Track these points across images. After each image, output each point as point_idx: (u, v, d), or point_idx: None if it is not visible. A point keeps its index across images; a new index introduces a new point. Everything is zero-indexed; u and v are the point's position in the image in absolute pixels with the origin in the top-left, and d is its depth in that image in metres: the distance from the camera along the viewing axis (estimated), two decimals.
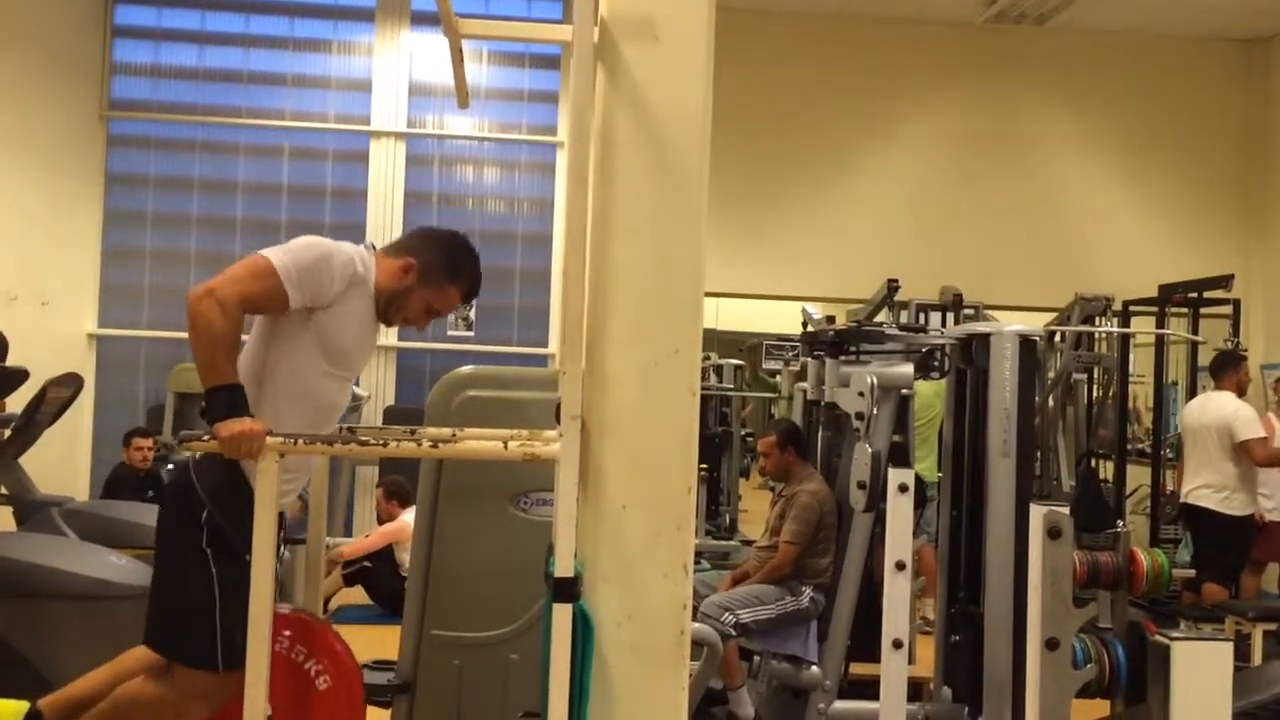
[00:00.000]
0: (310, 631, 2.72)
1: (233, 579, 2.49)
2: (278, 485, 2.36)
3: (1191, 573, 6.40)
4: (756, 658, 4.76)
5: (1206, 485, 6.07)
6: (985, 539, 3.77)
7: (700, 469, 7.77)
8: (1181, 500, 6.41)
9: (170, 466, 5.85)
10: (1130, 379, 7.87)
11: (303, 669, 2.68)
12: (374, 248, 2.78)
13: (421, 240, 2.82)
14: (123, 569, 3.71)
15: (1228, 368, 6.29)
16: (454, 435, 2.81)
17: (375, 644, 3.59)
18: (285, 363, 2.58)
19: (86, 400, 8.21)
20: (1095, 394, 7.75)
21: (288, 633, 2.67)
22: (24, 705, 2.68)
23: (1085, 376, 7.53)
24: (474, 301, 8.77)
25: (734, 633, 4.42)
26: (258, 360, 2.61)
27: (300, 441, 2.45)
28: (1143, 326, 8.00)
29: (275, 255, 2.53)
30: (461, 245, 2.84)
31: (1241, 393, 6.21)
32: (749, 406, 10.41)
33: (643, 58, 2.22)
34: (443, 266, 2.77)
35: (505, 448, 2.36)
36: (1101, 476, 7.55)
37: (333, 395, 2.71)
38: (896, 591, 3.62)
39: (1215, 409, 6.13)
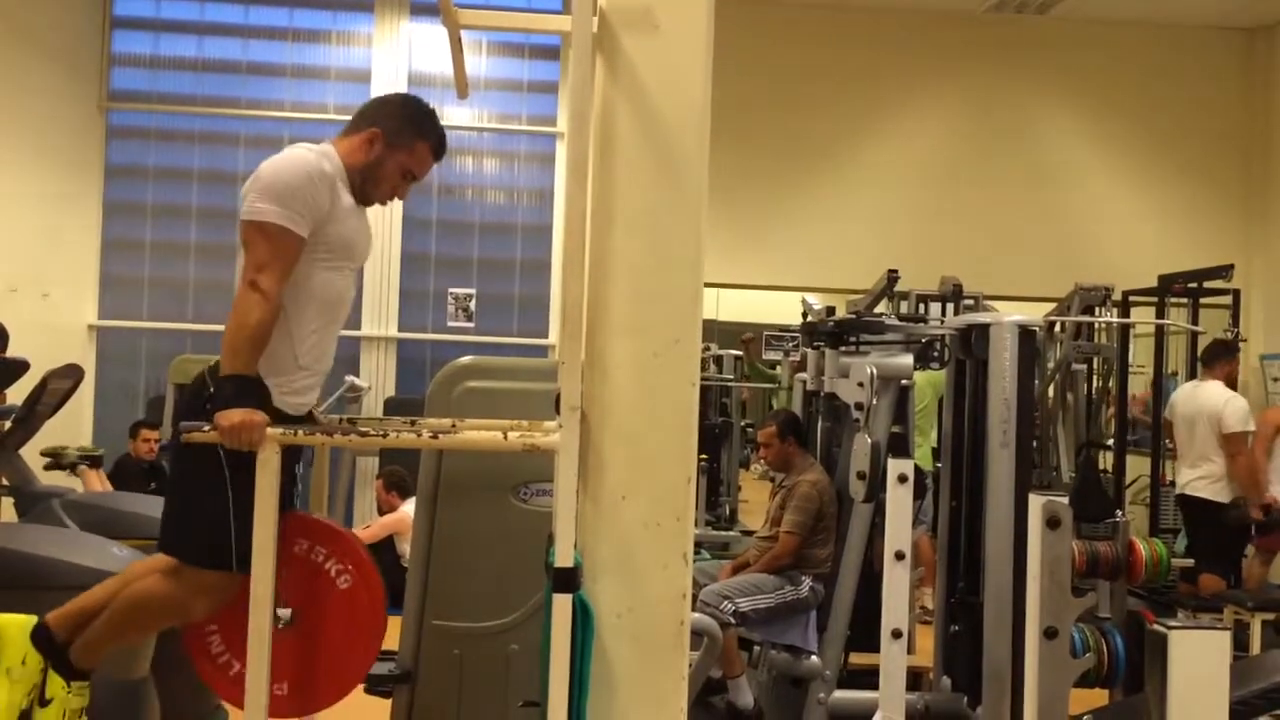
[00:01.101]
0: (330, 534, 2.74)
1: (245, 484, 2.49)
2: (278, 476, 2.36)
3: (1191, 562, 6.41)
4: (756, 648, 4.77)
5: (1201, 476, 6.07)
6: (985, 529, 3.78)
7: (700, 459, 7.79)
8: (1177, 491, 6.42)
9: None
10: (1130, 369, 7.87)
11: (323, 569, 2.69)
12: (328, 140, 2.78)
13: (377, 108, 2.82)
14: (124, 560, 3.70)
15: (1221, 358, 6.28)
16: (454, 426, 2.81)
17: None
18: (289, 279, 2.58)
19: (87, 391, 8.21)
20: (1095, 384, 7.75)
21: (306, 539, 2.68)
22: (31, 619, 2.70)
23: (1085, 367, 7.52)
24: (474, 291, 8.83)
25: (733, 621, 4.43)
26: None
27: (300, 432, 2.45)
28: (1142, 317, 8.00)
29: (273, 212, 2.54)
30: (417, 103, 2.85)
31: (1231, 384, 6.20)
32: (745, 394, 10.42)
33: (642, 48, 2.22)
34: (406, 125, 2.77)
35: (505, 438, 2.37)
36: (1101, 467, 7.55)
37: (340, 289, 2.73)
38: (896, 581, 3.63)
39: (1206, 398, 6.12)
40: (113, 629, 2.66)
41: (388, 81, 8.90)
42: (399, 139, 2.75)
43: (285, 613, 2.62)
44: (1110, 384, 7.75)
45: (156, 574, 2.64)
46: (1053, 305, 7.70)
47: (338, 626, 2.67)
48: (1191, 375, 7.51)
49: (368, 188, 2.76)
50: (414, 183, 2.87)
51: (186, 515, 2.62)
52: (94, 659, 2.68)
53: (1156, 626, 2.39)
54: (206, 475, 2.51)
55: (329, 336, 2.75)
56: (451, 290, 8.84)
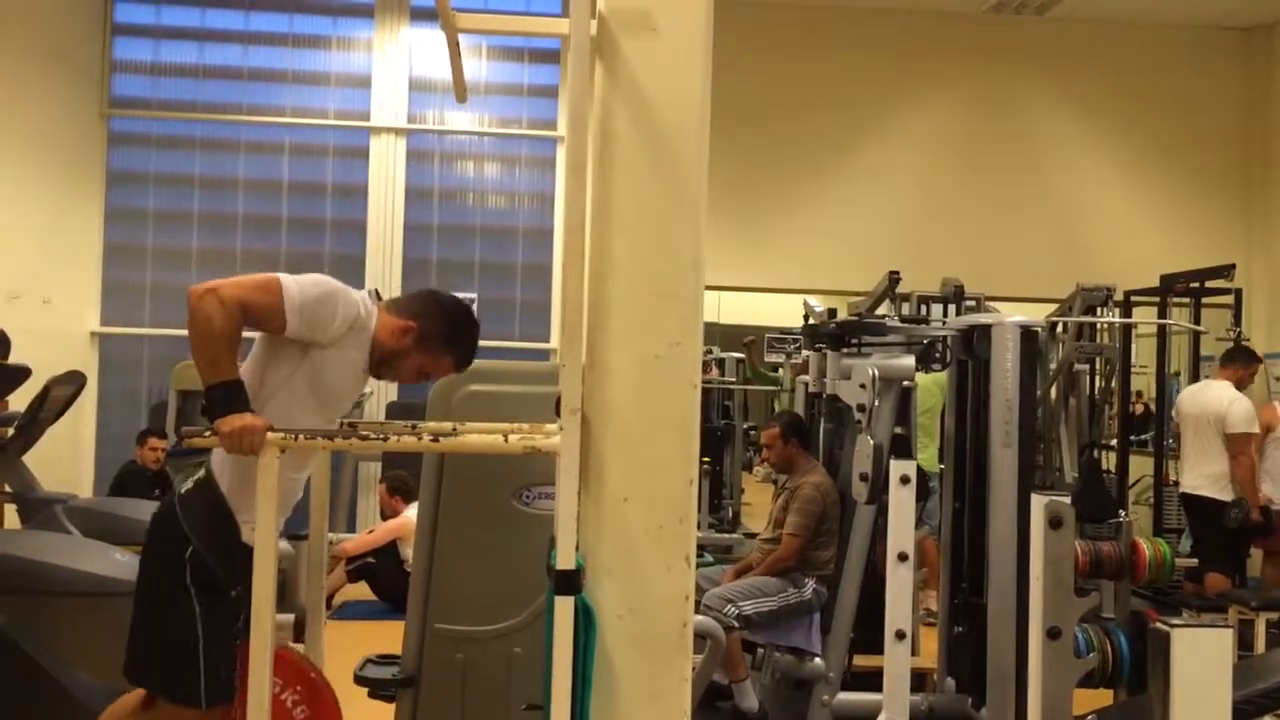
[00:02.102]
0: (284, 662, 2.72)
1: (216, 616, 2.51)
2: (279, 481, 2.36)
3: (1194, 562, 6.40)
4: (760, 650, 4.76)
5: (1205, 474, 6.06)
6: (988, 530, 3.77)
7: (702, 462, 7.78)
8: (1181, 490, 6.41)
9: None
10: (1132, 369, 7.87)
11: (280, 700, 2.68)
12: (378, 297, 2.77)
13: (424, 304, 2.79)
14: (126, 566, 3.71)
15: (1237, 361, 6.26)
16: (455, 429, 2.81)
17: (379, 639, 3.60)
18: (273, 401, 2.56)
19: (89, 398, 8.23)
20: (1097, 384, 7.75)
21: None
22: None
23: (1087, 367, 7.52)
24: (475, 295, 8.81)
25: (736, 625, 4.43)
26: (249, 392, 2.58)
27: (302, 437, 2.45)
28: (1144, 317, 7.99)
29: (286, 278, 2.53)
30: (463, 315, 2.82)
31: (1240, 388, 6.19)
32: (746, 396, 10.42)
33: (641, 51, 2.21)
34: (442, 335, 2.75)
35: (506, 441, 2.36)
36: (1104, 467, 7.54)
37: None
38: (899, 583, 3.63)
39: (1212, 398, 6.11)
40: None
41: (389, 87, 8.91)
42: (429, 343, 2.74)
43: None
44: (1113, 384, 7.74)
45: (130, 713, 2.62)
46: (1055, 306, 7.69)
47: None
48: (1194, 375, 7.51)
49: (382, 367, 2.74)
50: (425, 380, 2.87)
51: (154, 645, 2.56)
52: None
53: (1159, 625, 2.38)
54: (175, 601, 2.49)
55: (303, 475, 2.76)
56: (453, 294, 8.83)
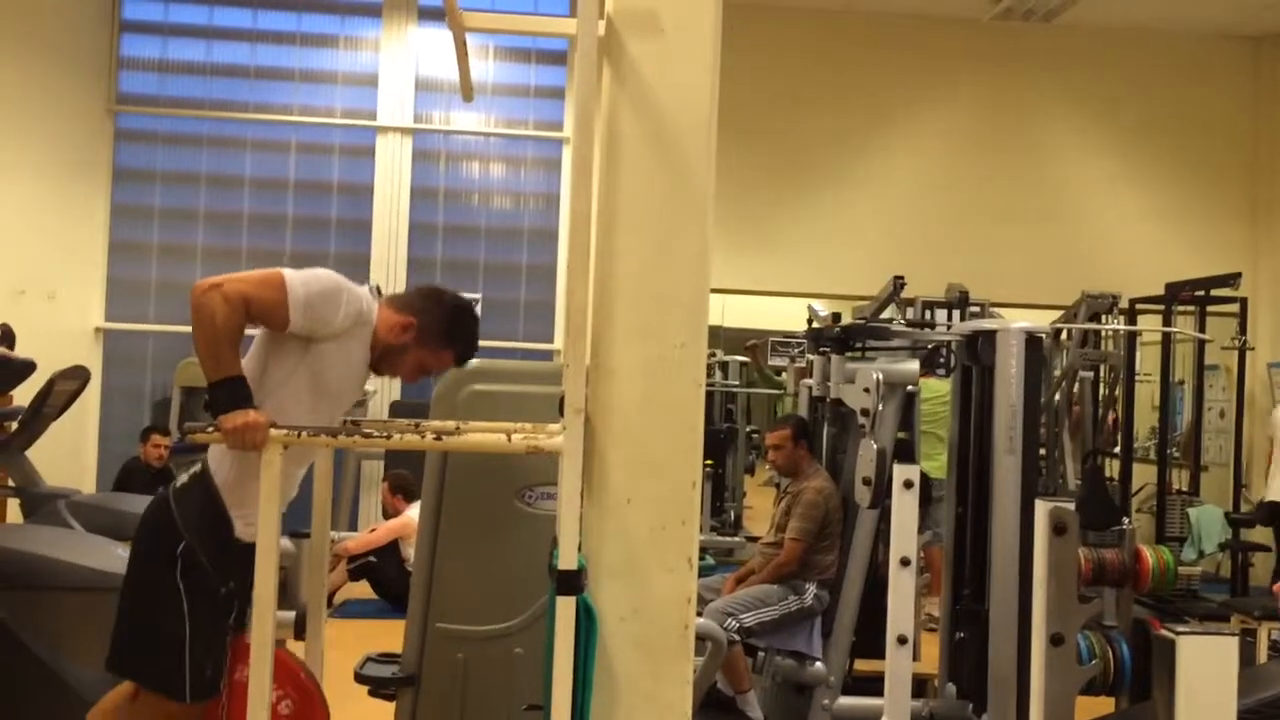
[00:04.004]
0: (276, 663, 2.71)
1: (204, 612, 2.50)
2: (280, 478, 2.36)
3: (1197, 571, 6.40)
4: (761, 654, 4.76)
5: None
6: (990, 536, 3.76)
7: (705, 465, 7.77)
8: (1266, 499, 6.45)
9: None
10: (1136, 377, 7.86)
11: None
12: (379, 293, 2.77)
13: (425, 300, 2.79)
14: (127, 561, 3.71)
15: None
16: (458, 428, 2.81)
17: (380, 638, 3.59)
18: (274, 400, 2.55)
19: (93, 394, 8.24)
20: (1101, 392, 7.74)
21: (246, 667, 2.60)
22: None
23: (1091, 374, 7.51)
24: (480, 296, 8.82)
25: (738, 638, 4.42)
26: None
27: (304, 434, 2.45)
28: (1149, 324, 7.98)
29: (290, 273, 2.53)
30: (464, 311, 2.83)
31: None
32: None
33: (649, 52, 2.21)
34: (442, 331, 2.75)
35: (509, 440, 2.36)
36: (1108, 474, 7.54)
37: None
38: (901, 588, 3.62)
39: None
40: None
41: (395, 86, 8.92)
42: (428, 339, 2.74)
43: None
44: (1117, 391, 7.73)
45: (107, 716, 2.62)
46: (1060, 312, 7.69)
47: None
48: (1199, 383, 7.50)
49: (382, 363, 2.74)
50: (426, 377, 2.87)
51: (140, 637, 2.56)
52: None
53: (1164, 632, 2.37)
54: (164, 595, 2.49)
55: (301, 470, 2.76)
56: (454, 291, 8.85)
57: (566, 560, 2.06)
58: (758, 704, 4.59)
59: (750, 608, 4.51)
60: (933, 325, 5.92)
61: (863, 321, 4.87)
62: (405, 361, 2.75)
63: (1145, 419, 9.03)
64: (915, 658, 4.19)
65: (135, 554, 2.63)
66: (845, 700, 4.46)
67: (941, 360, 6.63)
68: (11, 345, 5.75)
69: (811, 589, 4.60)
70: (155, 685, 2.55)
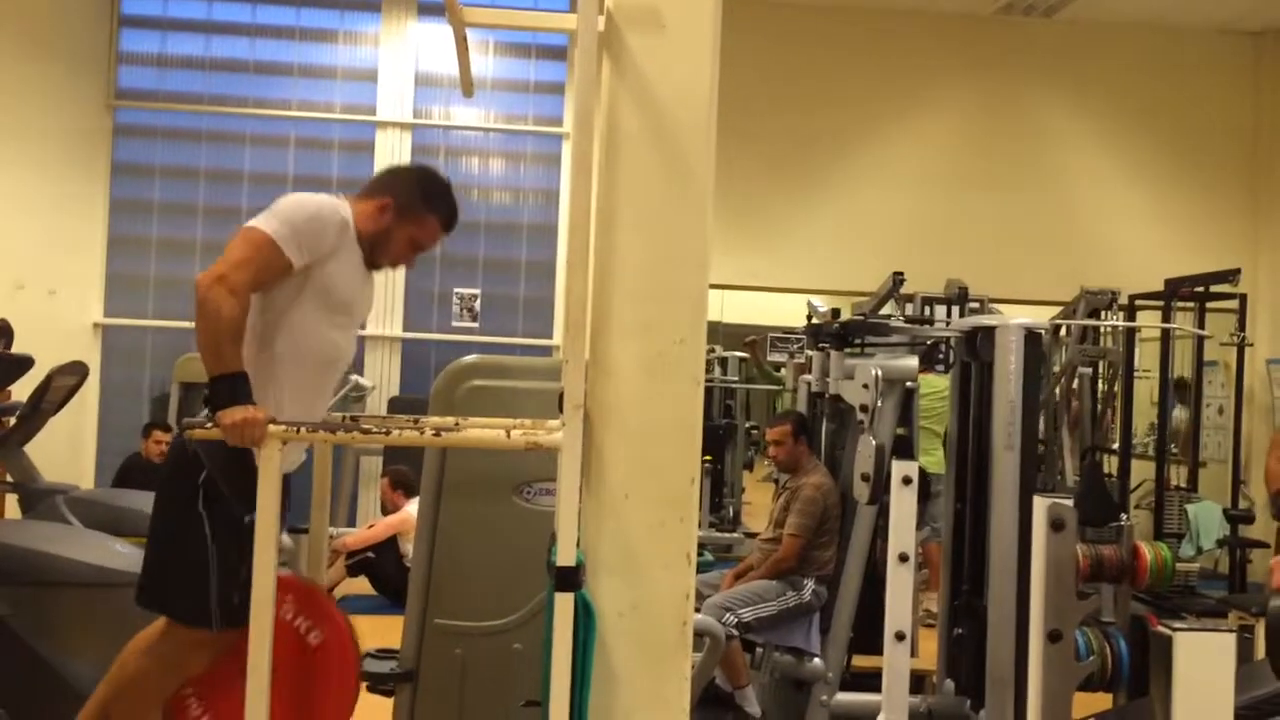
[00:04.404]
0: (298, 590, 2.74)
1: (229, 540, 2.51)
2: (280, 472, 2.36)
3: (1195, 567, 6.40)
4: (759, 649, 4.76)
5: None
6: (989, 532, 3.77)
7: (704, 461, 7.78)
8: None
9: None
10: (1136, 374, 7.86)
11: (293, 626, 2.69)
12: (343, 196, 2.78)
13: (391, 178, 2.82)
14: (127, 557, 3.71)
15: None
16: (457, 424, 2.81)
17: (379, 633, 3.59)
18: (285, 323, 2.58)
19: (92, 389, 8.23)
20: (1100, 388, 7.74)
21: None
22: None
23: (1090, 371, 7.51)
24: (479, 291, 8.82)
25: (736, 633, 4.42)
26: (256, 324, 2.60)
27: (303, 429, 2.45)
28: (1149, 321, 7.98)
29: (269, 224, 2.53)
30: (432, 175, 2.86)
31: None
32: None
33: (648, 48, 2.21)
34: (418, 199, 2.78)
35: (508, 436, 2.36)
36: (1106, 471, 7.54)
37: (337, 347, 2.72)
38: (899, 584, 3.62)
39: None
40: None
41: (395, 81, 8.91)
42: (408, 212, 2.76)
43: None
44: (1116, 388, 7.73)
45: (138, 652, 2.64)
46: (1059, 308, 7.68)
47: (309, 683, 2.65)
48: (1198, 380, 7.50)
49: (376, 254, 2.76)
50: (421, 253, 2.87)
51: (168, 570, 2.59)
52: None
53: (1162, 628, 2.38)
54: (188, 528, 2.50)
55: (324, 395, 2.76)
56: (456, 290, 8.85)
57: (565, 556, 2.07)
58: (755, 699, 4.59)
59: (749, 603, 4.51)
60: (932, 321, 5.92)
61: (862, 317, 4.86)
62: (395, 243, 2.77)
63: (1144, 415, 9.03)
64: (913, 654, 4.20)
65: (161, 487, 2.65)
66: (843, 696, 4.46)
67: (940, 356, 6.63)
68: (10, 340, 5.75)
69: (810, 585, 4.61)
70: (184, 616, 2.57)
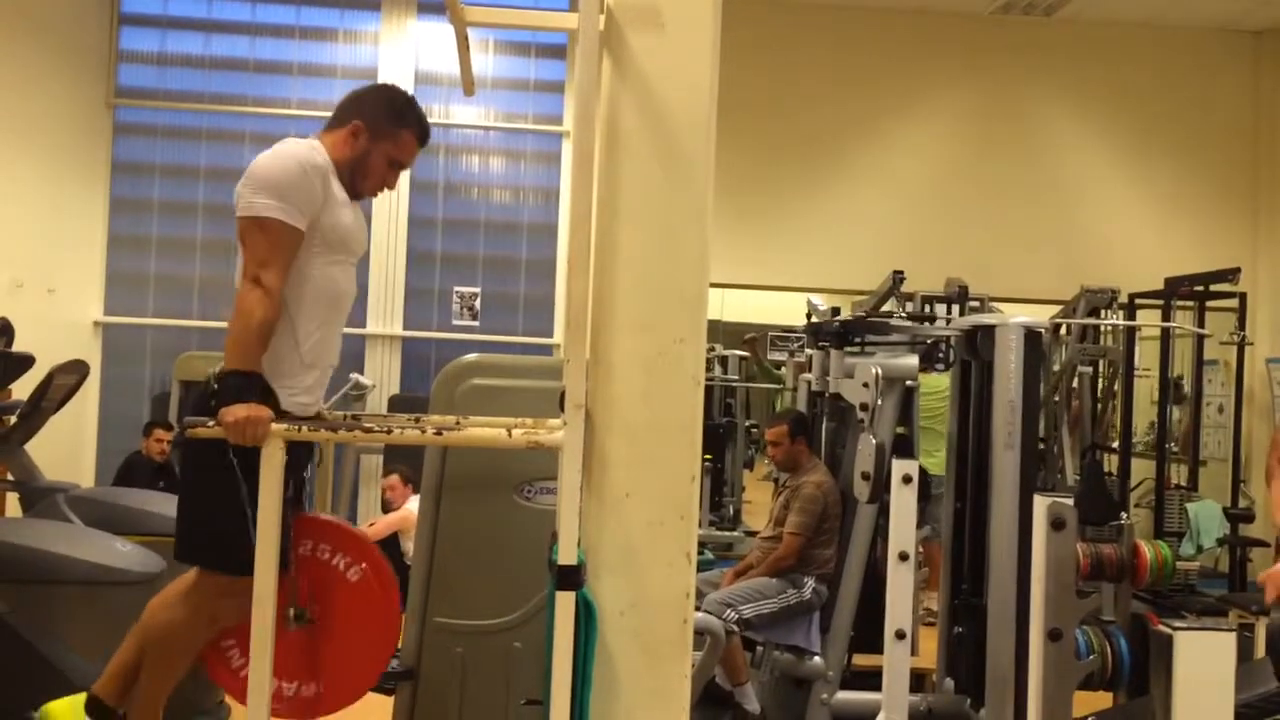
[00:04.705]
0: (333, 531, 2.77)
1: (258, 488, 2.50)
2: (283, 472, 2.36)
3: (1195, 566, 6.40)
4: (759, 648, 4.76)
5: None
6: (989, 531, 3.77)
7: (704, 459, 7.78)
8: None
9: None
10: (1135, 372, 7.86)
11: (331, 565, 2.72)
12: (312, 136, 2.79)
13: (355, 101, 2.82)
14: (128, 555, 3.72)
15: None
16: (458, 422, 2.81)
17: None
18: (291, 272, 2.59)
19: (92, 388, 8.23)
20: (1100, 387, 7.74)
21: (312, 538, 2.71)
22: (79, 697, 2.69)
23: (1090, 369, 7.52)
24: (479, 290, 8.82)
25: (736, 630, 4.43)
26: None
27: (304, 428, 2.45)
28: (1148, 319, 7.98)
29: (270, 207, 2.55)
30: (396, 91, 2.87)
31: None
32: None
33: (649, 46, 2.21)
34: (387, 115, 2.78)
35: (509, 435, 2.36)
36: (1106, 470, 7.54)
37: (343, 285, 2.73)
38: (900, 582, 3.63)
39: None
40: (158, 673, 2.65)
41: (395, 80, 8.90)
42: (382, 130, 2.77)
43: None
44: (1116, 387, 7.73)
45: (168, 604, 2.65)
46: (1059, 307, 7.69)
47: (352, 619, 2.69)
48: (1198, 379, 7.50)
49: (357, 180, 2.77)
50: (402, 170, 2.87)
51: (202, 521, 2.60)
52: (155, 712, 2.66)
53: (1162, 627, 2.38)
54: (220, 480, 2.50)
55: (333, 332, 2.75)
56: (457, 289, 8.85)
57: (566, 555, 2.07)
58: (755, 696, 4.59)
59: (749, 600, 4.52)
60: (932, 320, 5.91)
61: (862, 316, 4.86)
62: (373, 166, 2.77)
63: (1144, 414, 9.04)
64: (913, 652, 4.20)
65: (189, 452, 2.64)
66: (843, 695, 4.47)
67: (940, 355, 6.63)
68: (10, 339, 5.74)
69: (810, 583, 4.61)
70: (220, 565, 2.57)
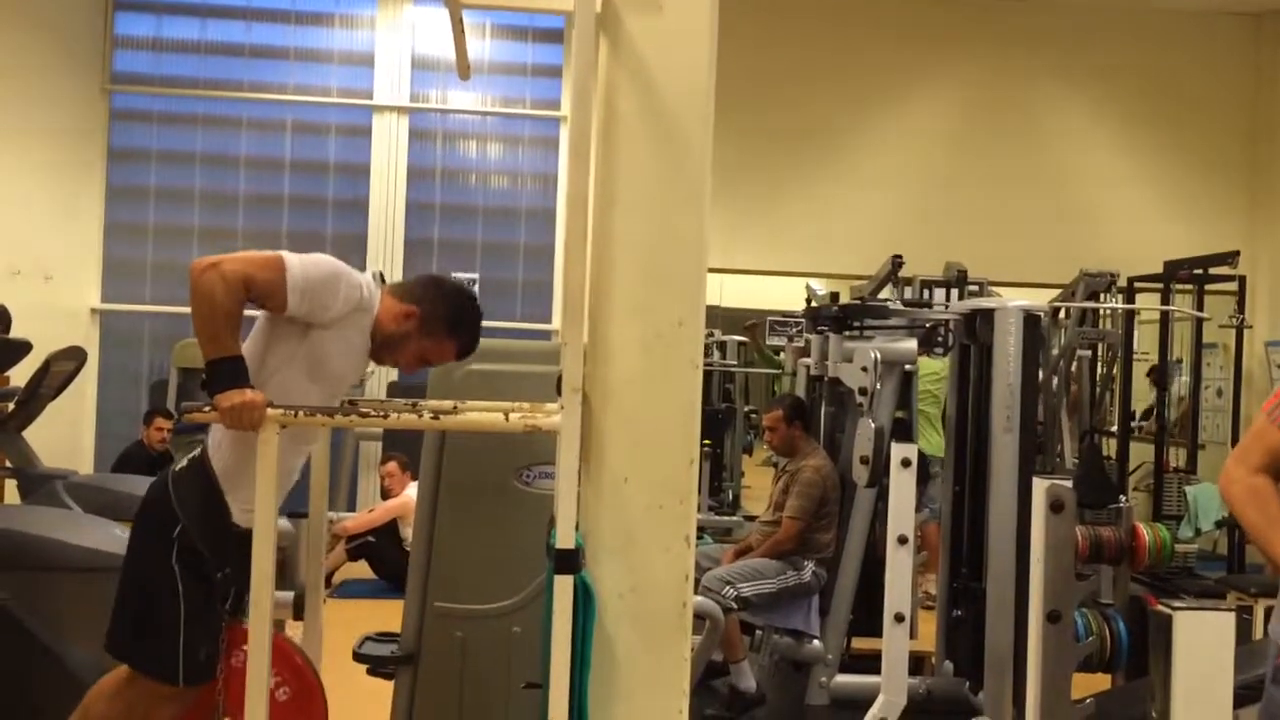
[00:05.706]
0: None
1: (199, 596, 2.51)
2: (278, 458, 2.36)
3: (1194, 548, 6.41)
4: (759, 632, 4.77)
5: None
6: (988, 514, 3.77)
7: (703, 444, 7.77)
8: None
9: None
10: (1135, 356, 7.86)
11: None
12: (382, 280, 2.76)
13: (427, 289, 2.76)
14: (125, 542, 3.71)
15: None
16: (456, 408, 2.80)
17: (379, 617, 3.60)
18: (275, 379, 2.54)
19: (90, 375, 8.23)
20: (1099, 371, 7.75)
21: (245, 646, 2.55)
22: None
23: (1089, 353, 7.51)
24: (477, 276, 8.80)
25: (735, 606, 4.44)
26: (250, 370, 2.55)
27: (301, 413, 2.44)
28: (1148, 303, 7.98)
29: (290, 257, 2.51)
30: (467, 301, 2.79)
31: None
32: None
33: (646, 29, 2.20)
34: (444, 320, 2.73)
35: (507, 420, 2.36)
36: (1105, 453, 7.55)
37: (315, 402, 2.65)
38: (899, 566, 3.63)
39: None
40: None
41: (391, 65, 8.87)
42: (431, 328, 2.71)
43: None
44: (1115, 370, 7.73)
45: (104, 695, 2.62)
46: (1058, 291, 7.68)
47: None
48: (1197, 362, 7.49)
49: (383, 351, 2.72)
50: (427, 366, 2.84)
51: (137, 620, 2.57)
52: None
53: (1161, 608, 2.38)
54: (161, 581, 2.49)
55: (299, 455, 2.73)
56: (454, 275, 8.84)
57: (564, 539, 2.06)
58: (750, 674, 4.60)
59: (749, 578, 4.52)
60: (931, 304, 5.91)
61: (860, 301, 4.86)
62: (406, 351, 2.73)
63: (1143, 398, 9.04)
64: (912, 635, 4.21)
65: (134, 535, 2.64)
66: (843, 678, 4.48)
67: (939, 339, 6.63)
68: (7, 326, 5.73)
69: (809, 566, 4.62)
70: (150, 668, 2.56)
